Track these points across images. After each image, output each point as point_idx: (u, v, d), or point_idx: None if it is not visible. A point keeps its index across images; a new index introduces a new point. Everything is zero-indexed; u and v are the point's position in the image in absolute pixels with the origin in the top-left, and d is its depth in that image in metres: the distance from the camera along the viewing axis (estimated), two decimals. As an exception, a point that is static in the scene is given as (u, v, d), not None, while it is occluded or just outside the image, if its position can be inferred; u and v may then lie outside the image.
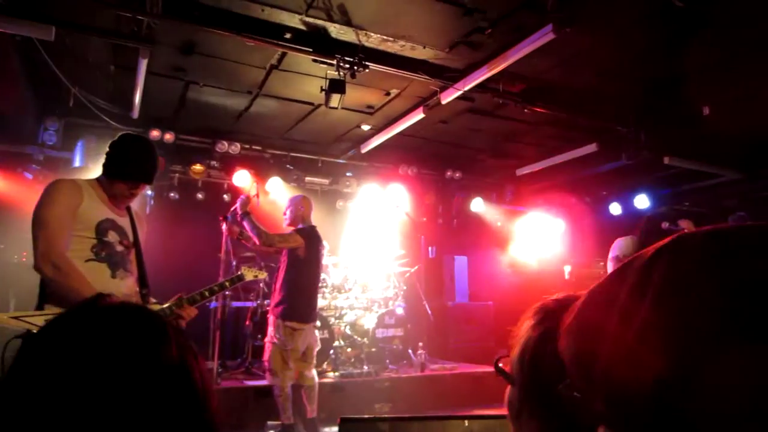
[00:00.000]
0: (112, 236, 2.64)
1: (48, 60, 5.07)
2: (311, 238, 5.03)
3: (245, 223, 4.81)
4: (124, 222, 2.74)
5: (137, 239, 2.77)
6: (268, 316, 5.03)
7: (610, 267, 4.91)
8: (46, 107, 6.47)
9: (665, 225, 5.25)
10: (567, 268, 9.09)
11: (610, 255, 4.94)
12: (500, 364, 0.84)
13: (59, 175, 2.67)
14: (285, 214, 5.23)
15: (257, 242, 4.82)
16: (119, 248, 2.66)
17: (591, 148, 7.24)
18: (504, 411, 0.87)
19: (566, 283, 8.98)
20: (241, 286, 7.20)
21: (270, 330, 4.88)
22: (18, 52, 5.09)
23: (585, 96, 5.88)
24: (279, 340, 4.73)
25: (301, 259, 4.91)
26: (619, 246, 4.91)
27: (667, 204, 8.33)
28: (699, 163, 7.39)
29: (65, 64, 5.31)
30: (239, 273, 3.22)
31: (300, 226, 5.09)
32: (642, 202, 8.27)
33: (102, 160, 2.74)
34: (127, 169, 2.69)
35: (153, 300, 2.77)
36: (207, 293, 2.84)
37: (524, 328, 0.80)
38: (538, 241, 9.36)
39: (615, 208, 8.76)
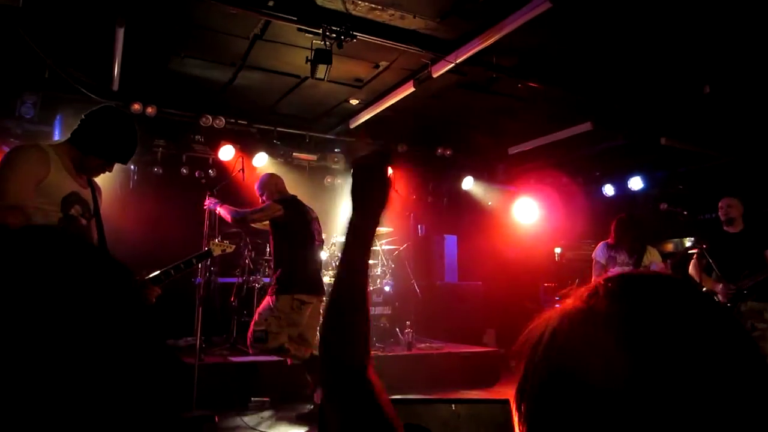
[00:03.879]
0: (76, 210, 2.52)
1: (18, 29, 4.87)
2: (293, 206, 4.76)
3: (221, 213, 4.58)
4: (86, 194, 2.61)
5: (98, 212, 2.64)
6: (268, 295, 4.59)
7: (593, 266, 5.34)
8: (21, 80, 6.25)
9: (664, 206, 5.20)
10: (557, 250, 9.01)
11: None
12: None
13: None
14: (261, 197, 4.92)
15: (235, 224, 4.77)
16: (83, 222, 2.55)
17: (585, 126, 7.09)
18: (492, 395, 0.77)
19: (556, 265, 8.92)
20: (226, 261, 7.10)
21: (271, 305, 4.44)
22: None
23: (581, 71, 5.72)
24: (285, 316, 4.40)
25: (288, 227, 4.62)
26: (596, 250, 5.33)
27: (661, 186, 8.22)
28: (696, 145, 7.26)
29: (38, 34, 5.09)
30: (207, 249, 3.09)
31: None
32: (636, 183, 8.15)
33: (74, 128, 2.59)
34: (107, 146, 2.57)
35: None
36: (173, 271, 2.72)
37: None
38: (529, 222, 9.26)
39: (608, 189, 8.64)
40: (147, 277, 2.61)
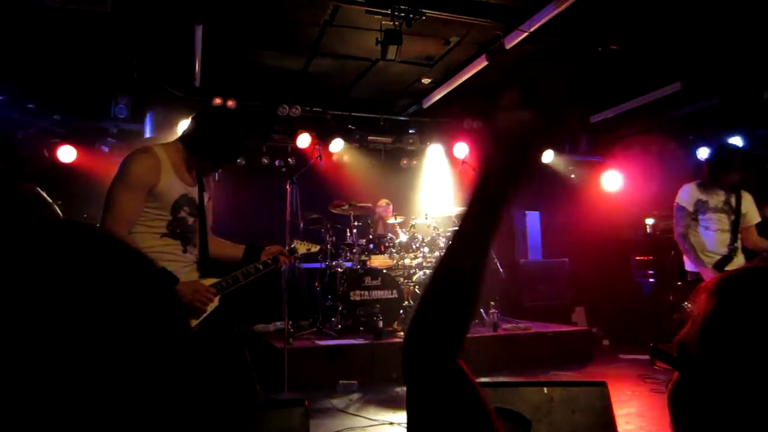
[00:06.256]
0: (185, 211, 2.61)
1: (108, 33, 5.16)
2: None
3: None
4: (194, 192, 2.68)
5: (202, 209, 2.71)
6: None
7: (675, 214, 4.34)
8: (114, 81, 6.64)
9: None
10: (649, 221, 8.54)
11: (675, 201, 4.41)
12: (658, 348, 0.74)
13: (133, 147, 2.63)
14: None
15: None
16: (190, 221, 2.64)
17: (675, 87, 6.62)
18: (585, 376, 0.78)
19: (649, 237, 8.47)
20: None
21: None
22: (81, 28, 5.19)
23: (665, 27, 5.31)
24: None
25: None
26: (680, 193, 4.35)
27: (765, 145, 7.54)
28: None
29: (126, 37, 5.38)
30: (292, 246, 3.11)
31: None
32: (735, 144, 7.53)
33: (181, 128, 2.68)
34: (224, 152, 2.64)
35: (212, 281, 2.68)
36: (241, 278, 2.74)
37: (704, 305, 0.68)
38: (617, 193, 8.82)
39: (703, 153, 8.04)
40: (212, 283, 2.63)
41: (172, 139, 2.75)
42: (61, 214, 3.88)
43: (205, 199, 2.76)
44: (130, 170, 2.46)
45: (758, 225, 4.38)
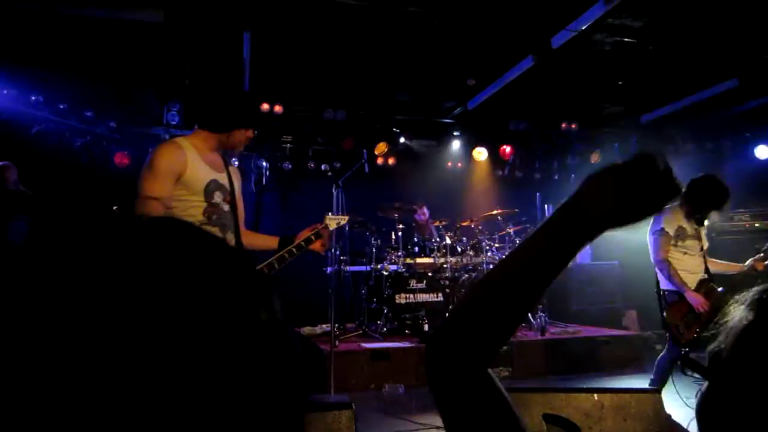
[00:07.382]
0: (218, 196, 2.63)
1: (161, 42, 5.35)
2: None
3: None
4: (223, 179, 2.71)
5: (234, 194, 2.75)
6: None
7: (655, 239, 4.29)
8: (166, 89, 6.87)
9: None
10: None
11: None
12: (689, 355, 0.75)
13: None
14: None
15: None
16: (225, 208, 2.67)
17: (731, 83, 6.37)
18: (636, 383, 0.81)
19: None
20: (355, 250, 7.34)
21: None
22: (136, 37, 5.40)
23: (721, 23, 5.12)
24: None
25: None
26: (661, 219, 4.26)
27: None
28: None
29: (178, 46, 5.56)
30: (324, 224, 3.09)
31: None
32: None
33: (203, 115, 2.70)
34: (245, 115, 2.68)
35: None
36: (287, 255, 2.80)
37: (735, 311, 0.70)
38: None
39: (762, 152, 7.69)
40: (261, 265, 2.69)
41: None
42: None
43: (236, 188, 2.79)
44: (154, 159, 2.50)
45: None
